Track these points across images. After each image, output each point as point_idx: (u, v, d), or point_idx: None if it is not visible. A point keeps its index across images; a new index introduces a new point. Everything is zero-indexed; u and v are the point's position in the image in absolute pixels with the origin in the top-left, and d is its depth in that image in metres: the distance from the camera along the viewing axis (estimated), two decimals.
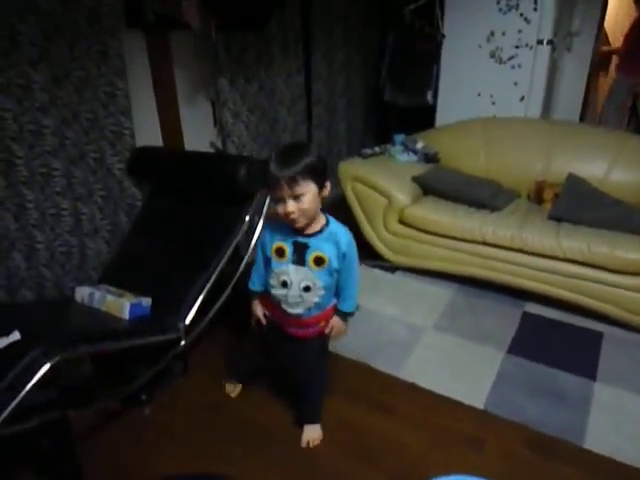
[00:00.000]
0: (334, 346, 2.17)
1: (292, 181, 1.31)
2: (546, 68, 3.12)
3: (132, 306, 1.81)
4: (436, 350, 2.17)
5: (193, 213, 2.20)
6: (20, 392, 1.32)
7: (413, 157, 2.98)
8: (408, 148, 3.02)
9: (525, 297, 2.48)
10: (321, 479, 1.58)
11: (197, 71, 2.65)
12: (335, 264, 1.46)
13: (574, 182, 2.62)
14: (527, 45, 3.09)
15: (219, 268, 1.98)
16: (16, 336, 1.47)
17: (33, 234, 2.05)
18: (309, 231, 1.44)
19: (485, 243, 2.42)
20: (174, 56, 2.49)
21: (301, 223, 1.40)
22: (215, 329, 2.13)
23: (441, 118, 3.49)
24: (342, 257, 1.47)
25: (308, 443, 1.69)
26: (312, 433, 1.72)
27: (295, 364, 1.72)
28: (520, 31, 3.08)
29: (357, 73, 3.93)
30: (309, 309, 1.53)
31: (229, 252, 2.00)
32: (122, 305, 1.81)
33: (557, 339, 2.23)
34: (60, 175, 2.07)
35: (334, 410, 1.83)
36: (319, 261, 1.44)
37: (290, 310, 1.53)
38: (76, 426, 1.57)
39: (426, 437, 1.72)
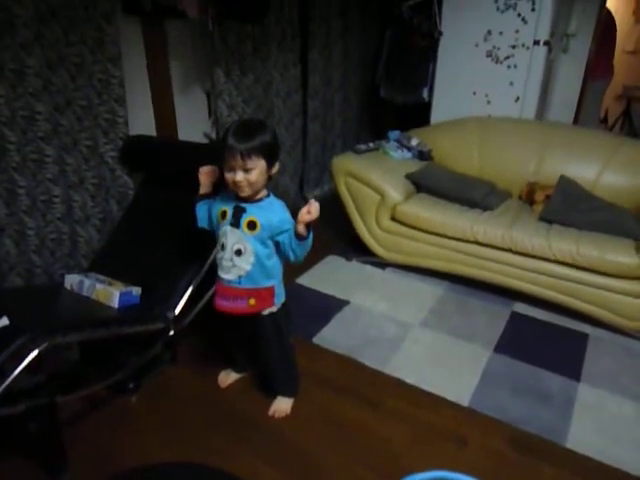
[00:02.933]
0: (322, 340, 2.19)
1: (246, 155, 1.44)
2: (542, 69, 3.12)
3: (122, 295, 1.81)
4: (424, 347, 2.18)
5: (185, 203, 2.18)
6: (8, 377, 1.32)
7: (407, 154, 2.99)
8: (402, 145, 3.02)
9: (514, 297, 2.50)
10: (306, 470, 1.59)
11: (193, 61, 2.64)
12: (267, 231, 1.55)
13: (566, 184, 2.64)
14: (524, 45, 3.09)
15: (210, 258, 1.98)
16: (4, 321, 1.47)
17: (24, 220, 2.04)
18: (250, 199, 1.56)
19: (476, 242, 2.43)
20: (170, 45, 2.48)
21: (246, 193, 1.52)
22: (205, 319, 2.12)
23: (436, 116, 3.49)
24: (277, 230, 1.55)
25: (274, 413, 1.79)
26: (280, 405, 1.82)
27: (255, 346, 1.76)
28: (517, 31, 3.08)
29: (354, 68, 3.92)
30: (239, 277, 1.59)
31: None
32: (111, 293, 1.81)
33: (544, 339, 2.26)
34: (52, 162, 2.06)
35: (320, 402, 1.85)
36: (252, 225, 1.54)
37: (223, 275, 1.62)
38: (63, 412, 1.58)
39: (410, 432, 1.74)
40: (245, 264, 1.58)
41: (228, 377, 1.95)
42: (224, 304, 1.66)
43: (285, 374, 1.83)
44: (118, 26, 2.13)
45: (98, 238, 2.32)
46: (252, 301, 1.63)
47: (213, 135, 2.80)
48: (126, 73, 2.23)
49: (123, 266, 2.04)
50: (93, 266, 2.13)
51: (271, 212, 1.56)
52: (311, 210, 1.45)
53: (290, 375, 1.84)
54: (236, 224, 1.56)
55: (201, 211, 1.72)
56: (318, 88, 3.56)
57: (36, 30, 1.87)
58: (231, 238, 1.57)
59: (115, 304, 1.80)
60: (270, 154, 1.50)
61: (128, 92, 2.25)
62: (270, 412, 1.80)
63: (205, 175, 1.70)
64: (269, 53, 3.02)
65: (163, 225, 2.17)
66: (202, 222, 1.73)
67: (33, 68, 1.90)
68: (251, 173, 1.47)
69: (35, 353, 1.36)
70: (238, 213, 1.56)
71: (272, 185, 1.69)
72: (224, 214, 1.59)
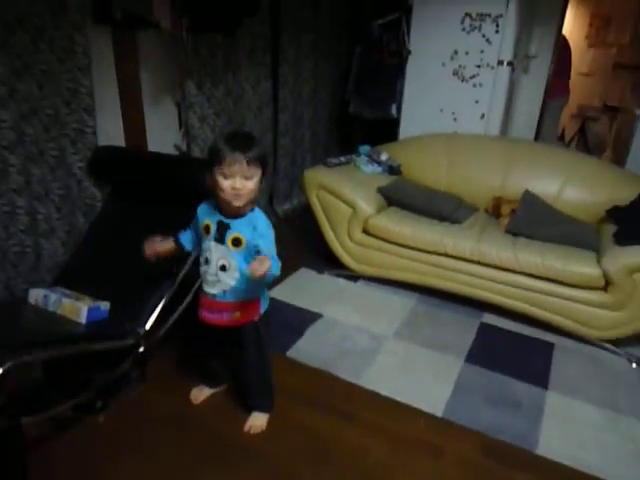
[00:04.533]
0: (297, 353, 2.17)
1: (249, 163, 1.44)
2: (506, 88, 3.24)
3: (90, 310, 1.75)
4: (397, 358, 2.20)
5: (154, 216, 2.15)
6: None
7: (378, 168, 3.03)
8: (373, 159, 3.07)
9: (483, 308, 2.55)
10: None
11: (164, 72, 2.61)
12: (251, 244, 1.52)
13: (530, 198, 2.73)
14: (488, 65, 3.21)
15: (181, 273, 1.95)
16: None
17: None
18: (234, 214, 1.54)
19: (446, 254, 2.48)
20: (141, 56, 2.45)
21: (241, 202, 1.49)
22: (176, 336, 2.08)
23: (404, 131, 3.56)
24: (258, 235, 1.53)
25: (249, 429, 1.77)
26: (256, 420, 1.79)
27: (234, 356, 1.76)
28: (482, 51, 3.20)
29: (324, 83, 3.97)
30: (224, 292, 1.59)
31: (192, 257, 1.96)
32: (79, 309, 1.75)
33: (512, 349, 2.31)
34: (16, 172, 1.99)
35: (295, 417, 1.83)
36: (237, 242, 1.53)
37: (208, 289, 1.62)
38: (26, 434, 1.50)
39: (386, 444, 1.74)
40: (230, 279, 1.57)
41: (201, 393, 1.91)
42: (208, 316, 1.65)
43: (262, 387, 1.80)
44: (88, 35, 2.10)
45: (63, 251, 2.25)
46: (237, 314, 1.62)
47: (184, 147, 2.77)
48: (96, 83, 2.19)
49: (90, 280, 1.98)
50: (59, 280, 2.05)
51: (254, 225, 1.53)
52: (258, 268, 1.35)
53: (266, 389, 1.81)
54: (220, 240, 1.54)
55: (187, 238, 1.70)
56: (288, 102, 3.59)
57: (1, 37, 1.82)
58: (215, 253, 1.56)
59: (83, 319, 1.74)
60: (264, 166, 1.52)
61: (97, 102, 2.21)
62: (246, 428, 1.77)
63: (155, 249, 1.69)
64: (240, 66, 3.02)
65: (132, 238, 2.09)
66: (191, 247, 1.72)
67: None
68: (250, 181, 1.47)
69: None
70: (222, 229, 1.54)
71: None
72: (207, 228, 1.56)
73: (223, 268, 1.56)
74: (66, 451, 1.65)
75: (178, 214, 2.06)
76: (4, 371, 1.31)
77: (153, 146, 2.61)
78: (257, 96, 3.26)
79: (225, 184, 1.46)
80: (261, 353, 1.73)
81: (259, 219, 1.55)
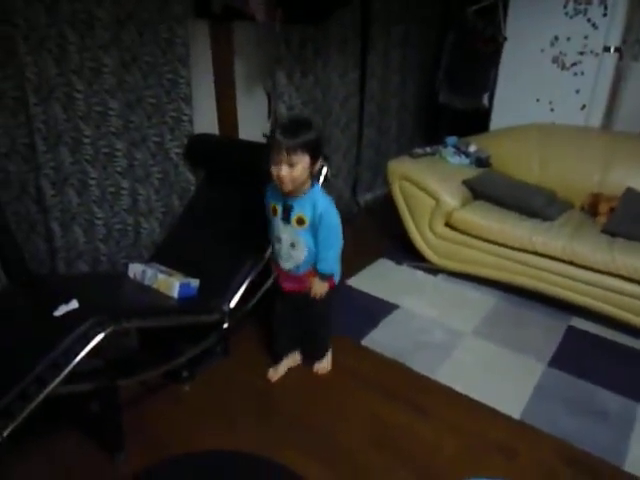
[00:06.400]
0: (371, 342, 2.19)
1: (291, 150, 1.51)
2: (611, 76, 3.00)
3: (181, 286, 1.88)
4: (474, 356, 2.14)
5: (243, 200, 2.25)
6: (74, 358, 1.40)
7: (465, 160, 2.94)
8: (460, 150, 2.98)
9: (571, 311, 2.41)
10: (353, 469, 1.60)
11: (256, 63, 2.71)
12: (314, 223, 1.64)
13: (632, 196, 2.53)
14: (592, 52, 2.98)
15: (265, 255, 2.03)
16: (74, 305, 1.56)
17: (93, 210, 2.16)
18: (294, 194, 1.63)
19: (535, 253, 2.37)
20: (235, 47, 2.55)
21: (288, 187, 1.57)
22: (257, 315, 2.18)
23: (496, 122, 3.41)
24: (318, 218, 1.63)
25: (318, 370, 2.00)
26: (322, 365, 2.02)
27: (304, 313, 1.90)
28: (586, 37, 2.97)
29: (412, 73, 3.90)
30: (297, 266, 1.73)
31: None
32: (172, 284, 1.88)
33: (602, 357, 2.17)
34: (122, 156, 2.17)
35: (369, 405, 1.86)
36: (300, 221, 1.64)
37: (283, 264, 1.76)
38: (121, 394, 1.65)
39: (458, 441, 1.72)
40: (300, 254, 1.70)
41: (277, 372, 1.99)
42: (286, 285, 1.82)
43: (324, 333, 1.99)
44: (188, 28, 2.22)
45: (159, 231, 2.42)
46: (312, 279, 1.76)
47: None
48: (193, 73, 2.32)
49: (182, 259, 2.12)
50: (154, 257, 2.22)
51: (314, 203, 1.63)
52: (317, 291, 1.75)
53: (326, 335, 2.01)
54: (287, 220, 1.66)
55: None
56: (375, 93, 3.57)
57: (114, 31, 1.98)
58: (284, 232, 1.69)
59: (175, 294, 1.87)
60: (314, 151, 1.57)
61: (194, 92, 2.34)
62: (315, 369, 2.00)
63: None
64: (329, 56, 3.05)
65: (222, 221, 2.24)
66: None
67: (109, 67, 2.02)
68: (295, 168, 1.53)
69: (101, 336, 1.44)
70: (287, 210, 1.65)
71: (324, 187, 1.75)
72: (274, 209, 1.69)
73: (293, 245, 1.69)
74: (154, 414, 1.79)
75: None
76: (106, 335, 1.45)
77: (243, 134, 2.72)
78: (344, 86, 3.27)
79: (272, 171, 1.56)
80: (329, 311, 1.93)
81: (318, 199, 1.63)
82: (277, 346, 2.01)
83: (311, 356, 2.05)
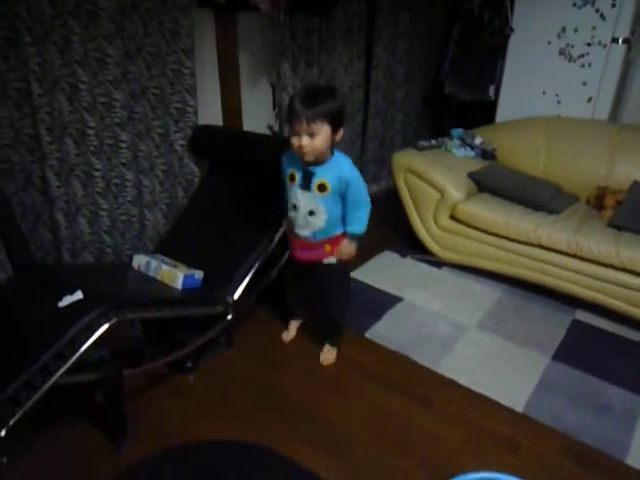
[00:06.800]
0: (375, 334, 2.19)
1: (311, 120, 1.48)
2: (619, 69, 2.97)
3: (185, 277, 1.89)
4: (478, 349, 2.14)
5: (247, 192, 2.26)
6: (79, 348, 1.41)
7: (470, 152, 2.93)
8: (465, 143, 2.97)
9: (576, 304, 2.40)
10: (354, 460, 1.61)
11: (261, 54, 2.70)
12: (337, 190, 1.63)
13: (639, 190, 2.51)
14: (600, 43, 2.95)
15: (270, 248, 2.03)
16: (79, 295, 1.56)
17: (98, 201, 2.17)
18: (316, 162, 1.61)
19: (540, 246, 2.35)
20: (240, 38, 2.54)
21: (309, 157, 1.57)
22: (260, 306, 2.19)
23: (502, 114, 3.39)
24: (345, 184, 1.63)
25: (323, 360, 1.99)
26: (328, 354, 2.01)
27: (319, 284, 1.90)
28: (594, 28, 2.94)
29: (418, 64, 3.87)
30: (314, 233, 1.73)
31: (280, 232, 2.04)
32: (176, 275, 1.89)
33: (606, 350, 2.16)
34: (126, 147, 2.17)
35: (372, 396, 1.86)
36: (322, 187, 1.63)
37: (298, 232, 1.75)
38: (125, 384, 1.67)
39: (461, 433, 1.72)
40: (319, 222, 1.70)
41: (289, 334, 2.13)
42: (300, 254, 1.82)
43: (338, 318, 1.98)
44: (192, 19, 2.21)
45: (164, 222, 2.43)
46: (327, 247, 1.77)
47: (276, 127, 2.85)
48: (197, 64, 2.31)
49: (187, 250, 2.12)
50: (158, 248, 2.23)
51: (339, 169, 1.62)
52: (345, 252, 1.76)
53: (340, 325, 2.01)
54: (306, 187, 1.64)
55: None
56: (380, 83, 3.54)
57: (118, 21, 1.97)
58: (302, 200, 1.67)
59: (179, 286, 1.88)
60: (335, 120, 1.54)
61: (198, 83, 2.33)
62: (320, 359, 1.99)
63: None
64: (335, 46, 3.03)
65: (226, 212, 2.24)
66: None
67: (113, 57, 2.01)
68: (315, 138, 1.51)
69: (106, 327, 1.44)
70: (308, 177, 1.63)
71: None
72: (292, 177, 1.67)
73: (311, 213, 1.68)
74: (158, 403, 1.81)
75: (270, 191, 2.16)
76: (110, 325, 1.45)
77: (248, 125, 2.72)
78: (349, 77, 3.25)
79: (293, 141, 1.55)
80: (347, 288, 1.95)
81: (343, 164, 1.64)
82: (289, 297, 2.09)
83: (325, 337, 2.04)
